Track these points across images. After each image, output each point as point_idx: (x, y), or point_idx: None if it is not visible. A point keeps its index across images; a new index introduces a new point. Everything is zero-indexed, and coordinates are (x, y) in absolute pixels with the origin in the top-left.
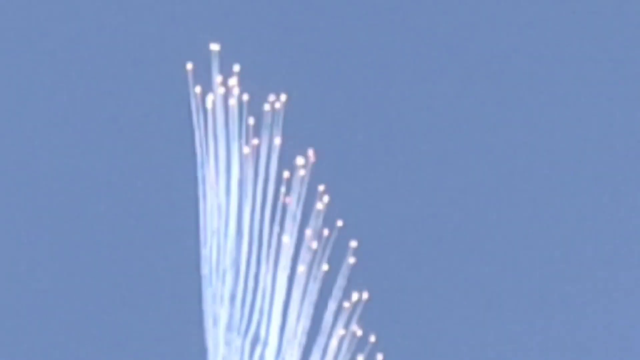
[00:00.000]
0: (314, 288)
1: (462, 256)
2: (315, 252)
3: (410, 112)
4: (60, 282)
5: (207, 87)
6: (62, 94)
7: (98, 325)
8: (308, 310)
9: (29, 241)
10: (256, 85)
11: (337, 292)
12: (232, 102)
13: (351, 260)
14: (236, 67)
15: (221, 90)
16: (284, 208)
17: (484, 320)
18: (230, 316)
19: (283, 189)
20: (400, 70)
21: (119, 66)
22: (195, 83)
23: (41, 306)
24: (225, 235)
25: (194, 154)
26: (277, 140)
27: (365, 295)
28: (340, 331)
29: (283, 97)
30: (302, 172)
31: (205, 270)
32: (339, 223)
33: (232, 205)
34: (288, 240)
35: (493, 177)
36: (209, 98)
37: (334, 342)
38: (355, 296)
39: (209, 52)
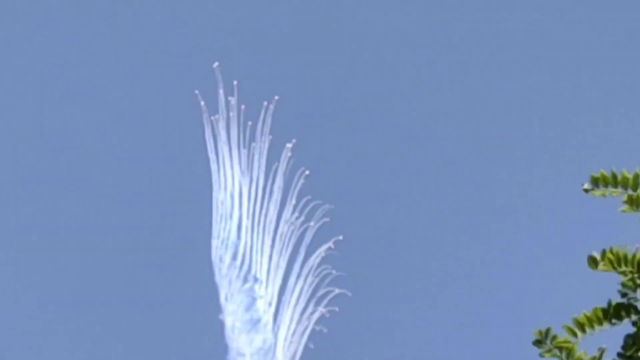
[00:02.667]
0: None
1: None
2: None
3: (404, 110)
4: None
5: (213, 103)
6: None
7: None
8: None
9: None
10: (251, 95)
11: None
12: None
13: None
14: (235, 82)
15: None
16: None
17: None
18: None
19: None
20: (388, 68)
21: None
22: (203, 100)
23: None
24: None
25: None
26: (269, 138)
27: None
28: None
29: (276, 97)
30: (289, 154)
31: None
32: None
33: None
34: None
35: (486, 171)
36: (214, 118)
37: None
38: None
39: (211, 70)
